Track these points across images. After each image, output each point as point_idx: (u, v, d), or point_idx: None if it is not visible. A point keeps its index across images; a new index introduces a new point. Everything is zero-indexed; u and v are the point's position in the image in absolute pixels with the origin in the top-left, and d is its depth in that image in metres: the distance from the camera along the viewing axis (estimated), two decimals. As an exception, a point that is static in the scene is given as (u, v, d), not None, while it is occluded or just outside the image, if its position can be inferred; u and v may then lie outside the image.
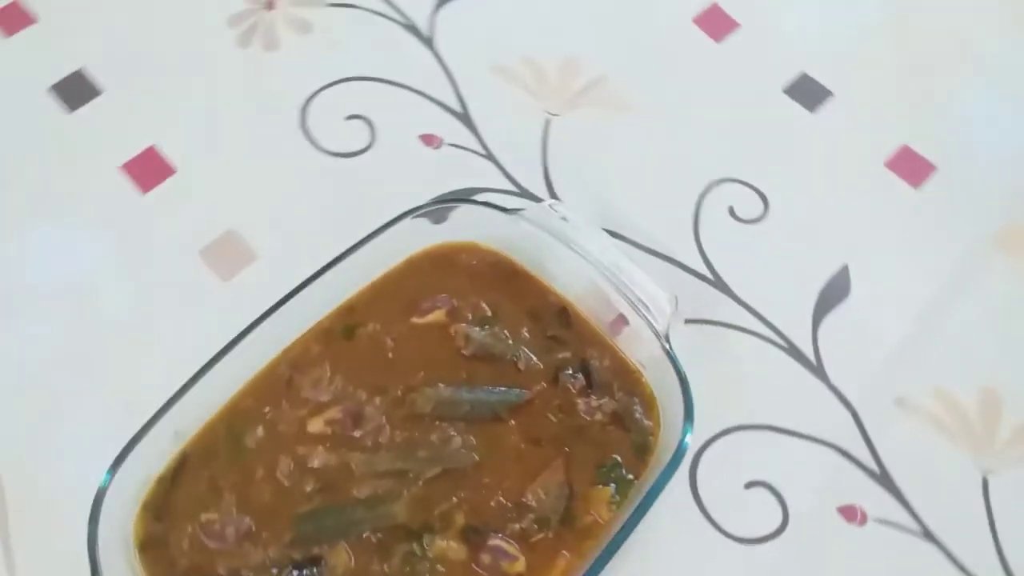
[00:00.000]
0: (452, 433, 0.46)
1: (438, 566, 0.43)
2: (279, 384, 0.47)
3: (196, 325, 0.51)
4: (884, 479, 0.49)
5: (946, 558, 0.47)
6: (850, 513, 0.48)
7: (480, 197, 0.56)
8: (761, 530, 0.48)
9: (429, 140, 0.59)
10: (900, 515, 0.48)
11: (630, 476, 0.45)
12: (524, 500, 0.44)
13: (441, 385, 0.47)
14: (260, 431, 0.46)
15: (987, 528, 0.49)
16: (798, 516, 0.48)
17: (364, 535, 0.43)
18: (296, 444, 0.45)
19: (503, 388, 0.47)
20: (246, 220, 0.55)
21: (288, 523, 0.43)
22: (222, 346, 0.44)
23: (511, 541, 0.44)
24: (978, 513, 0.49)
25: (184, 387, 0.43)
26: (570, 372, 0.48)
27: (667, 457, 0.44)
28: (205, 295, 0.52)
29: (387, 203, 0.50)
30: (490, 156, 0.58)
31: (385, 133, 0.58)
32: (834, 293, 0.54)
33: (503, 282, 0.51)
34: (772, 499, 0.48)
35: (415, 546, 0.43)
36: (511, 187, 0.57)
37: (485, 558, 0.43)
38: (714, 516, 0.48)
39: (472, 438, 0.46)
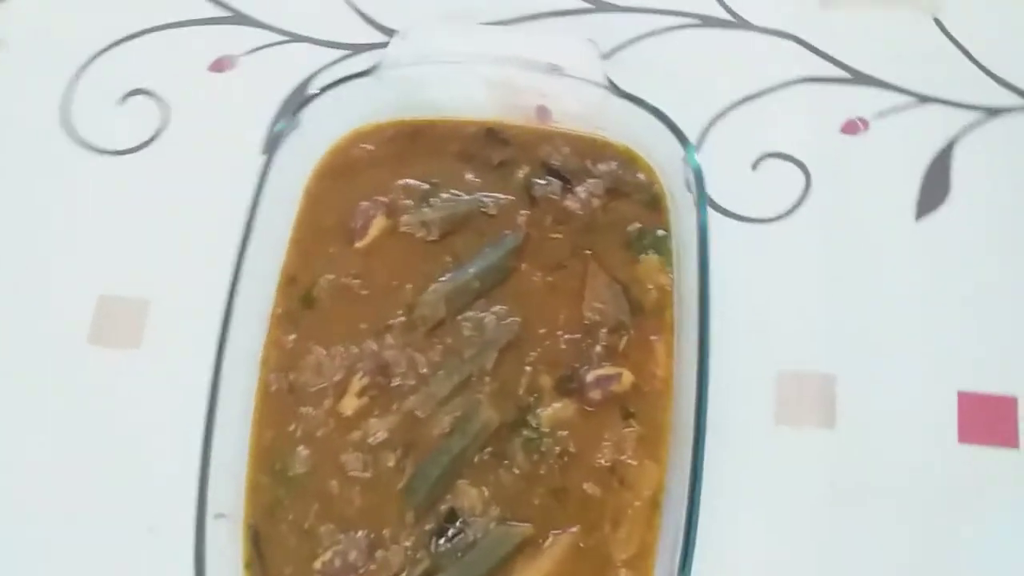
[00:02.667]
0: (480, 315, 0.41)
1: (559, 433, 0.39)
2: (282, 397, 0.40)
3: (149, 409, 0.43)
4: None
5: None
6: (851, 127, 0.47)
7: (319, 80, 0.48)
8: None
9: (220, 65, 0.49)
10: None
11: (660, 232, 0.42)
12: (588, 321, 0.41)
13: (433, 286, 0.41)
14: (303, 452, 0.39)
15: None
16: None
17: (476, 460, 0.39)
18: (346, 436, 0.40)
19: (490, 245, 0.42)
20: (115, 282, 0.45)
21: (399, 505, 0.39)
22: (206, 407, 0.37)
23: (604, 363, 0.40)
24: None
25: (202, 471, 0.36)
26: (540, 183, 0.43)
27: (682, 191, 0.41)
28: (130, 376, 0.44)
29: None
30: (293, 36, 0.50)
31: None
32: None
33: (412, 147, 0.44)
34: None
35: (527, 433, 0.39)
36: (340, 43, 0.49)
37: (594, 395, 0.40)
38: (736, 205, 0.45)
39: (501, 306, 0.41)
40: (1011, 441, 0.40)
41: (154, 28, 0.51)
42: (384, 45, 0.49)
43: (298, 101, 0.46)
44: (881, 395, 0.41)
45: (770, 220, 0.45)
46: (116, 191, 0.47)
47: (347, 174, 0.44)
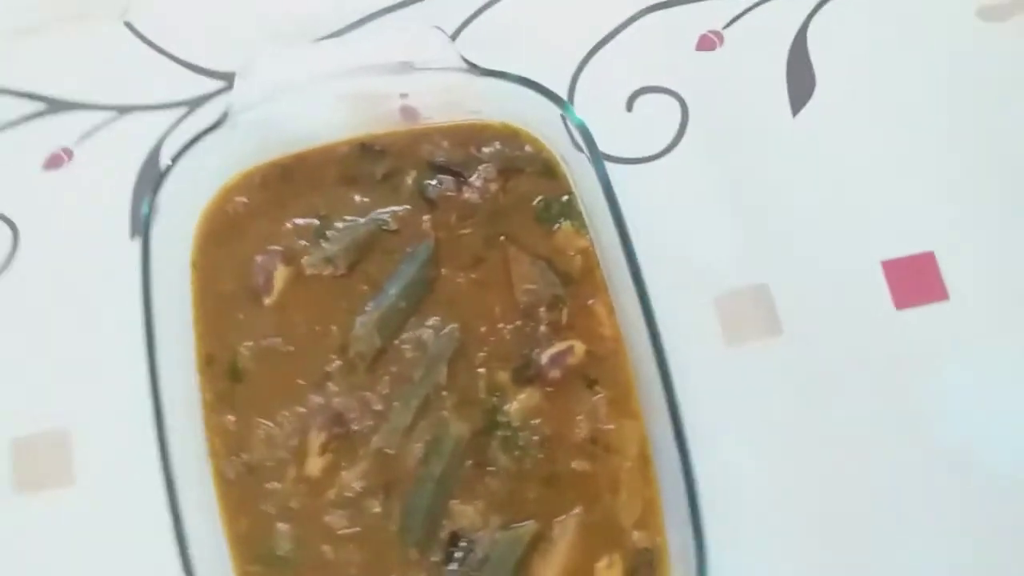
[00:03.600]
0: (417, 333, 0.40)
1: (532, 422, 0.39)
2: (243, 481, 0.38)
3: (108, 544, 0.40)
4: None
5: None
6: (706, 43, 0.47)
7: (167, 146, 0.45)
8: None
9: (55, 161, 0.45)
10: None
11: (564, 197, 0.41)
12: (523, 306, 0.40)
13: (358, 319, 0.40)
14: (284, 528, 0.37)
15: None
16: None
17: (461, 477, 0.38)
18: (322, 497, 0.38)
19: (403, 261, 0.41)
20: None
21: (399, 548, 0.37)
22: (170, 522, 0.34)
23: (552, 341, 0.40)
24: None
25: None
26: (432, 184, 0.42)
27: (572, 151, 0.40)
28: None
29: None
30: (121, 108, 0.46)
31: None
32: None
33: (288, 187, 0.42)
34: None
35: (500, 433, 0.39)
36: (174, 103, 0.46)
37: (554, 374, 0.39)
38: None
39: (435, 318, 0.40)
40: (941, 294, 0.42)
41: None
42: (221, 91, 0.47)
43: (153, 177, 0.43)
44: (814, 289, 0.42)
45: (660, 154, 0.45)
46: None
47: (230, 234, 0.41)
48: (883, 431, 0.40)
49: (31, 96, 0.47)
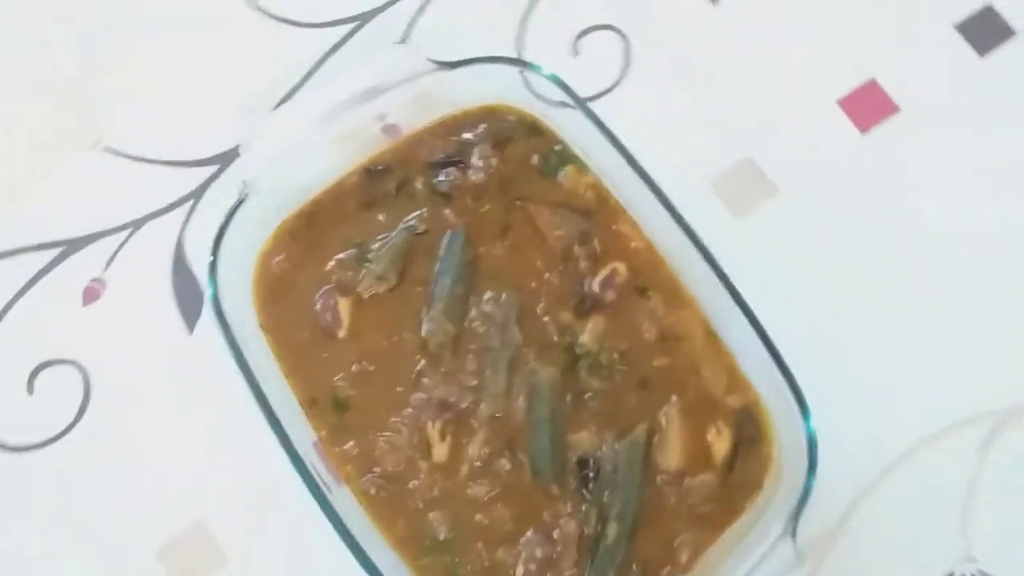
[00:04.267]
0: (482, 309, 0.44)
1: (607, 344, 0.43)
2: (386, 491, 0.42)
3: None
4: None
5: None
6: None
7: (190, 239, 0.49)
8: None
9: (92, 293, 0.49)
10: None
11: (557, 147, 0.46)
12: (560, 251, 0.45)
13: (426, 317, 0.44)
14: (437, 516, 0.42)
15: None
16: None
17: (566, 412, 0.42)
18: (458, 476, 0.42)
19: (443, 255, 0.45)
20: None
21: (540, 490, 0.42)
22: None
23: (595, 270, 0.44)
24: None
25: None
26: (441, 179, 0.46)
27: (550, 107, 0.45)
28: None
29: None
30: (134, 223, 0.49)
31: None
32: None
33: (316, 230, 0.46)
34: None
35: (583, 363, 0.43)
36: (179, 200, 0.50)
37: (609, 297, 0.44)
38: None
39: (489, 292, 0.44)
40: (891, 109, 0.48)
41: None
42: (217, 173, 0.50)
43: (186, 272, 0.48)
44: (792, 142, 0.48)
45: (615, 85, 0.50)
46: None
47: (284, 290, 0.45)
48: (886, 236, 0.46)
49: (47, 245, 0.49)
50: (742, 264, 0.43)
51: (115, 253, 0.49)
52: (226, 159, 0.50)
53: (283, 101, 0.51)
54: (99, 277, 0.49)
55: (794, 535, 0.37)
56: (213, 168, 0.50)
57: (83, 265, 0.49)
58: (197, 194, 0.50)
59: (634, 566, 0.40)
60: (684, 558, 0.41)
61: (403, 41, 0.50)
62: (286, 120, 0.46)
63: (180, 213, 0.49)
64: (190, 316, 0.48)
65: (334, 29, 0.52)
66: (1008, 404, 0.44)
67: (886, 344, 0.45)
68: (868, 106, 0.48)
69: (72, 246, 0.49)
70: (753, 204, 0.47)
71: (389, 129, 0.47)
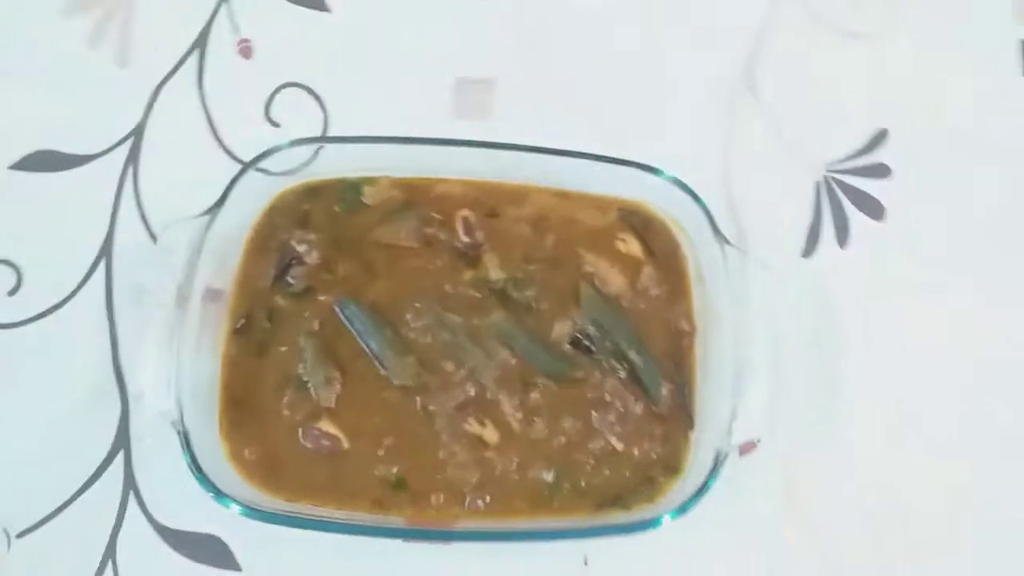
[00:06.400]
0: (415, 325, 0.49)
1: (508, 264, 0.50)
2: (492, 500, 0.46)
3: None
4: None
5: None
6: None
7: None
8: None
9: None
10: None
11: (335, 185, 0.51)
12: (414, 244, 0.50)
13: (382, 369, 0.48)
14: (542, 469, 0.47)
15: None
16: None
17: (530, 326, 0.49)
18: (522, 435, 0.48)
19: (348, 323, 0.49)
20: None
21: (563, 381, 0.48)
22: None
23: (453, 229, 0.50)
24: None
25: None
26: (291, 284, 0.49)
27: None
28: None
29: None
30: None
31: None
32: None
33: (246, 407, 0.47)
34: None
35: (509, 288, 0.49)
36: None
37: (478, 235, 0.50)
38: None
39: (408, 311, 0.49)
40: None
41: None
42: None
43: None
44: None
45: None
46: None
47: (275, 464, 0.47)
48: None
49: None
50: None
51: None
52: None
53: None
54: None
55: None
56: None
57: None
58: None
59: (665, 362, 0.49)
60: (686, 327, 0.50)
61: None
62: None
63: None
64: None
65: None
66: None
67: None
68: None
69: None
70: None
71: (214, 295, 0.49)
